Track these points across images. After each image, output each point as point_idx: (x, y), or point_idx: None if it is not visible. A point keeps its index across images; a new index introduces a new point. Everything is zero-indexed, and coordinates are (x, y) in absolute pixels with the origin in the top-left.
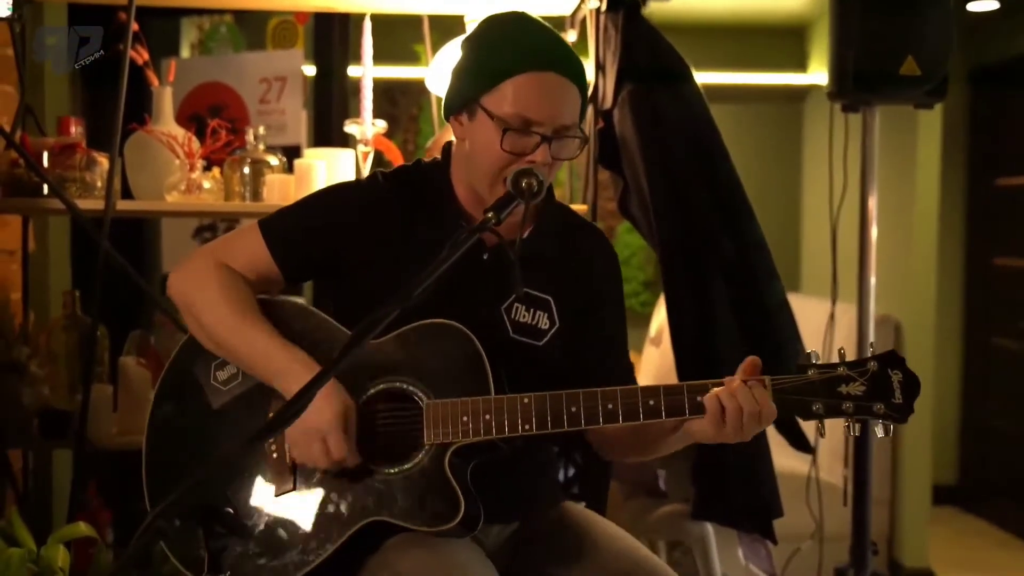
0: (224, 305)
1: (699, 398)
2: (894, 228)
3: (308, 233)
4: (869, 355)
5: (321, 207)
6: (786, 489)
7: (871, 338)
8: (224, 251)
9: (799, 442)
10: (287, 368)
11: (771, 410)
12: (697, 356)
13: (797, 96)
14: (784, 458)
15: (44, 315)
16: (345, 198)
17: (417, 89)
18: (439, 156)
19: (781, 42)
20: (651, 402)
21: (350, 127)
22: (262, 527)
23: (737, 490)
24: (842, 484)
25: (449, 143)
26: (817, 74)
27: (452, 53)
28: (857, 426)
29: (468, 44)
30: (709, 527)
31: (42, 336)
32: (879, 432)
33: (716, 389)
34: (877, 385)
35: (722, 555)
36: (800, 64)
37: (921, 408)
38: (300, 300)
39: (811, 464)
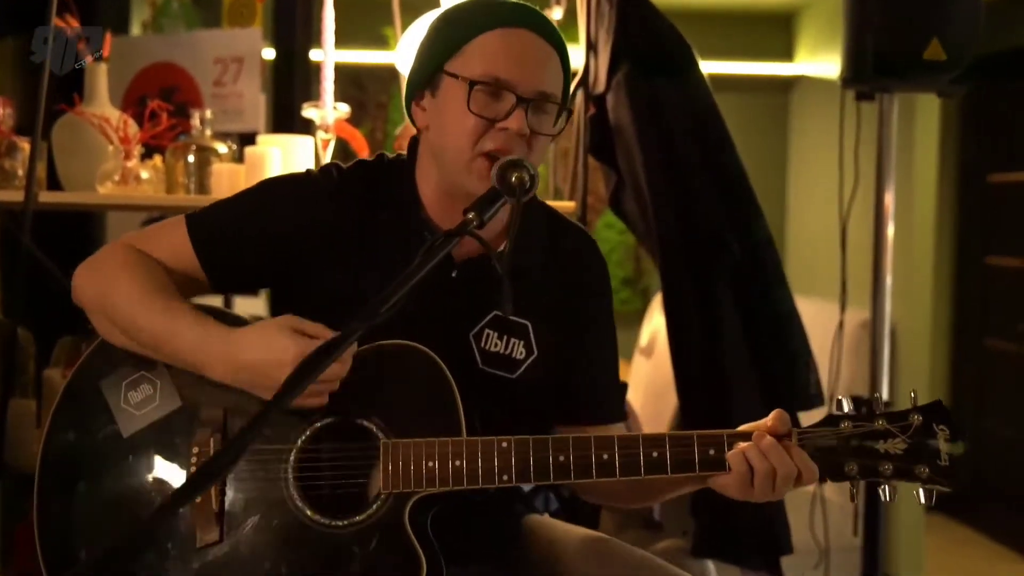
0: (139, 288)
1: (712, 451)
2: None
3: (244, 237)
4: (911, 406)
5: (262, 204)
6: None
7: (884, 346)
8: (142, 242)
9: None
10: (221, 336)
11: (812, 471)
12: (702, 368)
13: (783, 87)
14: None
15: None
16: (291, 194)
17: (387, 75)
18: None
19: (767, 30)
20: (654, 454)
21: (308, 111)
22: None
23: (742, 523)
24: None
25: (415, 138)
26: (805, 64)
27: (420, 32)
28: (893, 490)
29: (429, 26)
30: (711, 565)
31: None
32: (921, 498)
33: (743, 445)
34: (920, 443)
35: None
36: (787, 53)
37: None
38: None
39: (815, 488)
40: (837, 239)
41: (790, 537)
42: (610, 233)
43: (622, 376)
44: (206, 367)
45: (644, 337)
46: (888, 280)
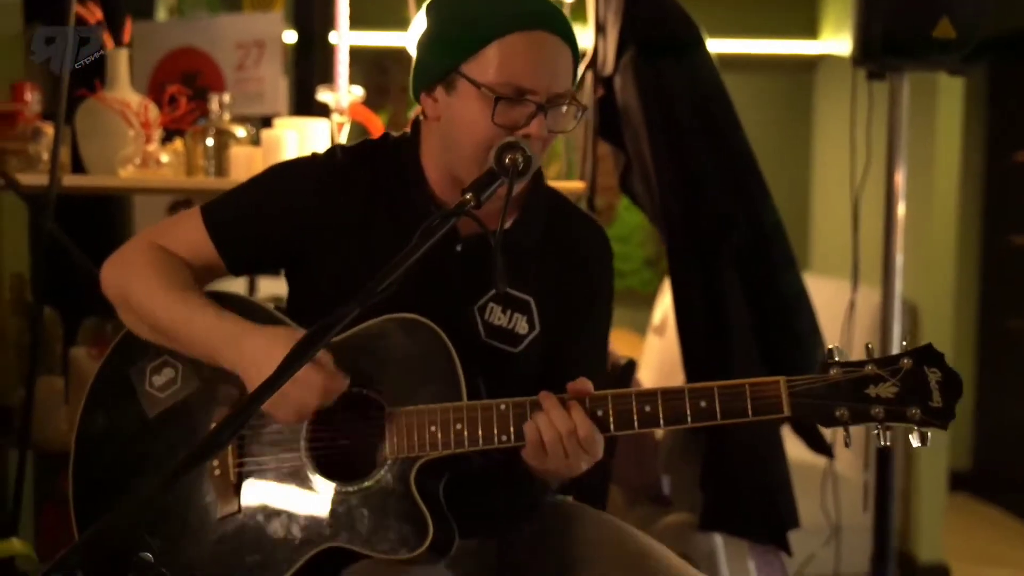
0: (159, 283)
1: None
2: (913, 208)
3: (256, 223)
4: (901, 350)
5: (271, 191)
6: (800, 481)
7: (895, 323)
8: (162, 236)
9: (817, 444)
10: (233, 335)
11: (588, 427)
12: (708, 350)
13: (808, 66)
14: (797, 450)
15: None
16: (298, 178)
17: (409, 58)
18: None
19: (791, 8)
20: (648, 408)
21: (323, 95)
22: (201, 556)
23: (749, 498)
24: (856, 477)
25: (418, 118)
26: (829, 42)
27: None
28: (887, 434)
29: (436, 9)
30: (718, 539)
31: None
32: (914, 441)
33: (534, 414)
34: (912, 386)
35: (732, 567)
36: (811, 31)
37: None
38: (245, 295)
39: (827, 464)
40: (870, 218)
41: (796, 512)
42: (631, 214)
43: (635, 354)
44: (216, 359)
45: (656, 316)
46: (899, 259)
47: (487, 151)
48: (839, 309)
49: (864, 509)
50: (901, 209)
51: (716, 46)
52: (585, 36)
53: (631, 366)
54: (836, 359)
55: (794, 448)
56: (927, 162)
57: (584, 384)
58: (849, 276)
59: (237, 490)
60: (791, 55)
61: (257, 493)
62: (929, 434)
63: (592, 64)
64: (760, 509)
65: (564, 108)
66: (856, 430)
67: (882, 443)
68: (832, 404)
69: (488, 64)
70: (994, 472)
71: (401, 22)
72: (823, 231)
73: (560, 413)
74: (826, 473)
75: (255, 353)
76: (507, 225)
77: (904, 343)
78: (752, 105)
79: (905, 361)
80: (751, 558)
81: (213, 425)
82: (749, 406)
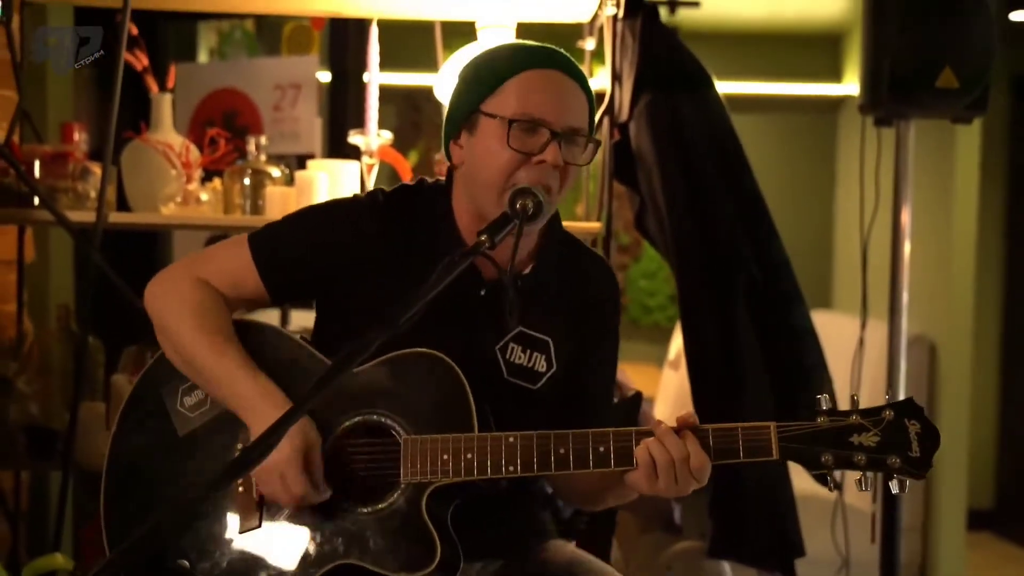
0: (197, 327)
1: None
2: (931, 246)
3: (300, 254)
4: (885, 403)
5: (316, 226)
6: (810, 514)
7: (903, 358)
8: (206, 266)
9: (823, 478)
10: (255, 404)
11: (701, 456)
12: (718, 384)
13: (831, 107)
14: (807, 482)
15: (43, 328)
16: (341, 216)
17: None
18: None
19: (816, 51)
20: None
21: (354, 138)
22: (223, 568)
23: (756, 526)
24: (869, 510)
25: (451, 168)
26: (852, 84)
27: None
28: (868, 480)
29: (461, 70)
30: (726, 566)
31: (35, 350)
32: (894, 488)
33: (646, 440)
34: (892, 436)
35: None
36: (835, 74)
37: (957, 431)
38: (276, 325)
39: (837, 497)
40: (887, 257)
41: (802, 540)
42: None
43: (653, 387)
44: (231, 409)
45: (672, 351)
46: (905, 296)
47: (508, 180)
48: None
49: (872, 541)
50: (907, 249)
51: (745, 88)
52: (603, 78)
53: (638, 398)
54: (824, 408)
55: (805, 482)
56: (946, 201)
57: (691, 416)
58: (874, 313)
59: (259, 507)
60: (816, 96)
61: (277, 510)
62: (908, 482)
63: (609, 110)
64: (767, 537)
65: (578, 141)
66: None
67: (863, 489)
68: (818, 450)
69: (506, 99)
70: (1017, 511)
71: (431, 64)
72: (845, 269)
73: (675, 441)
74: (836, 505)
75: (266, 424)
76: (525, 272)
77: (887, 394)
78: (778, 145)
79: (887, 412)
80: None
81: (239, 445)
82: (740, 448)
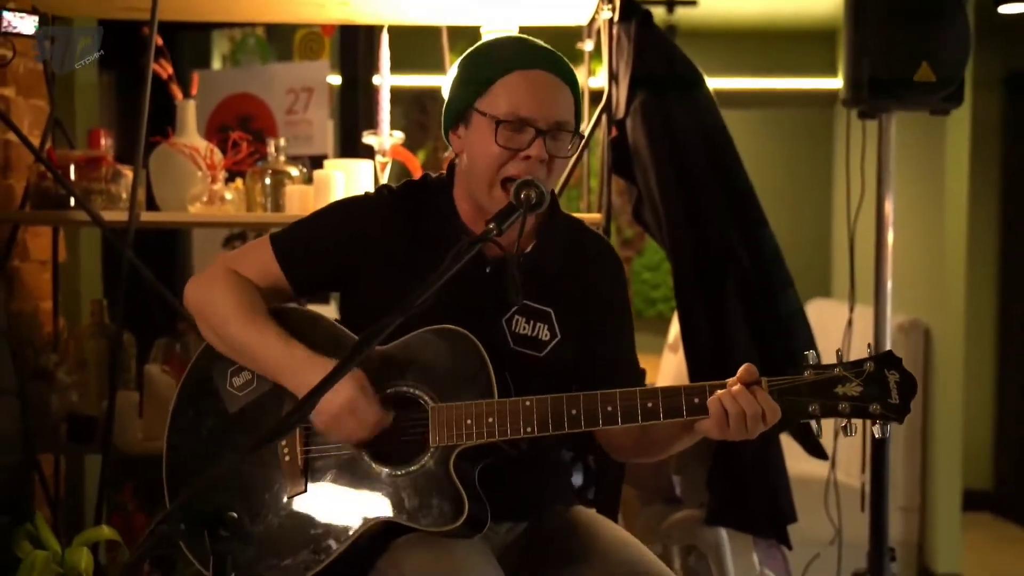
0: (234, 306)
1: (696, 399)
2: (924, 235)
3: (317, 249)
4: (867, 356)
5: (331, 222)
6: (805, 494)
7: (888, 342)
8: (237, 261)
9: (814, 449)
10: (298, 368)
11: (774, 409)
12: (711, 366)
13: (828, 101)
14: (802, 462)
15: (76, 323)
16: (353, 213)
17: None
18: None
19: (811, 47)
20: (649, 404)
21: (368, 138)
22: (275, 528)
23: (752, 496)
24: (855, 483)
25: (452, 161)
26: None
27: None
28: (854, 427)
29: (459, 63)
30: (723, 532)
31: (71, 344)
32: (877, 432)
33: (719, 392)
34: (873, 386)
35: (737, 561)
36: (830, 69)
37: (951, 412)
38: (309, 308)
39: (829, 469)
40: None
41: (794, 508)
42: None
43: (653, 372)
44: (279, 380)
45: (671, 335)
46: (888, 285)
47: (496, 173)
48: (860, 333)
49: (862, 509)
50: (890, 237)
51: (742, 83)
52: (603, 77)
53: (638, 368)
54: (810, 363)
55: (798, 463)
56: (937, 191)
57: (752, 368)
58: (868, 301)
59: (304, 473)
60: (812, 90)
61: (321, 476)
62: (889, 427)
63: (607, 108)
64: (762, 506)
65: (564, 136)
66: (851, 443)
67: (849, 434)
68: (806, 400)
69: (495, 100)
70: (1014, 492)
71: (438, 66)
72: (842, 258)
73: (746, 393)
74: (828, 482)
75: (311, 385)
76: (527, 250)
77: (869, 346)
78: (778, 139)
79: (868, 364)
80: (755, 551)
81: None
82: None
